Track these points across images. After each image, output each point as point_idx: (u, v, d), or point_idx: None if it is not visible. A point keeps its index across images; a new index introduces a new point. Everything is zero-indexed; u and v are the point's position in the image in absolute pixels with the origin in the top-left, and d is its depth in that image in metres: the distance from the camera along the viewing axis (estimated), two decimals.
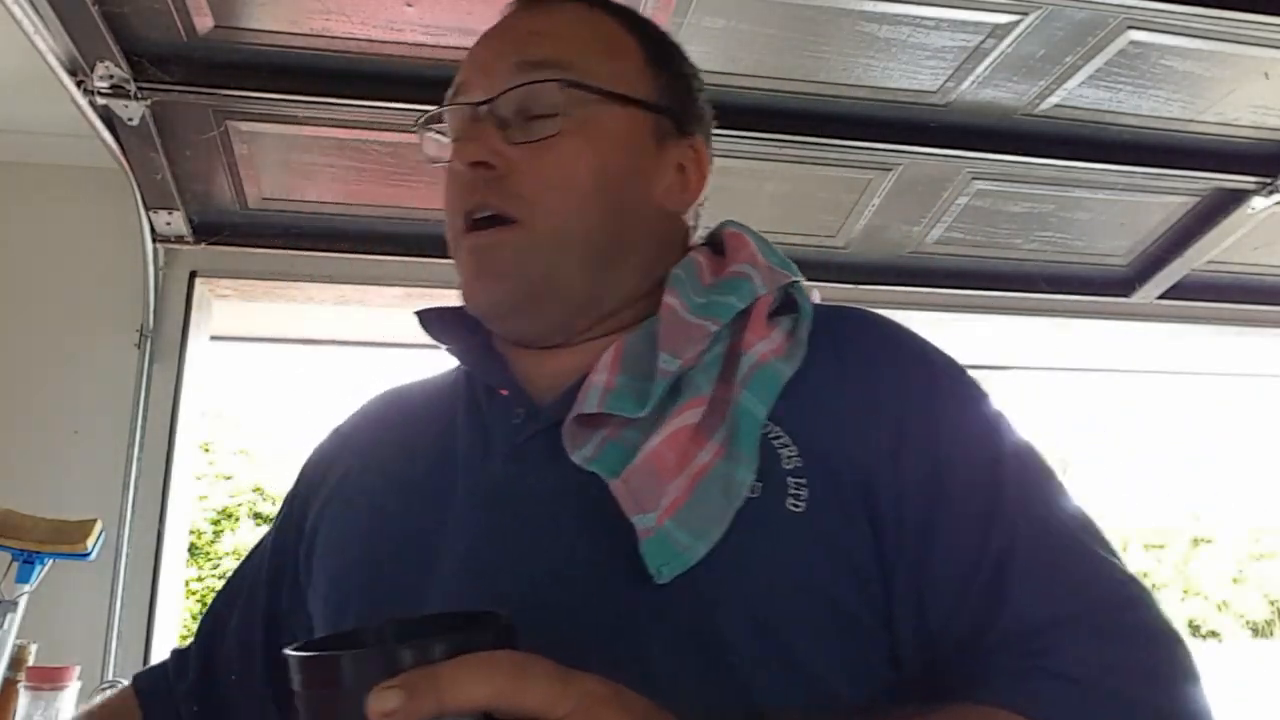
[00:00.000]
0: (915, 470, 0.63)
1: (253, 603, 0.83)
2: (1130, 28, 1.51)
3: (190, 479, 2.06)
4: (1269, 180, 1.89)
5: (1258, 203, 1.94)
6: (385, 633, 0.54)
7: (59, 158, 1.96)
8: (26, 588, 1.42)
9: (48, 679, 1.34)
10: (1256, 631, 14.13)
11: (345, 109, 1.60)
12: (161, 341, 1.92)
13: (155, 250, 1.88)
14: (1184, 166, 1.87)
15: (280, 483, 9.98)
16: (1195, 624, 13.66)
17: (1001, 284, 2.20)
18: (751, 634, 0.59)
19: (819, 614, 0.60)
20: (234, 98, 1.56)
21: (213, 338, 2.08)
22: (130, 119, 1.55)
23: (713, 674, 0.59)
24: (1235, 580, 14.41)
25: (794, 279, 0.73)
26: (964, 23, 1.51)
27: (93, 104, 1.52)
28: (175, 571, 1.95)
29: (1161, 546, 14.41)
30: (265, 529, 0.89)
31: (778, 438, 0.64)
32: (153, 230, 1.85)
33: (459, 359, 0.80)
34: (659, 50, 0.79)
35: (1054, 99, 1.69)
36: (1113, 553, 0.63)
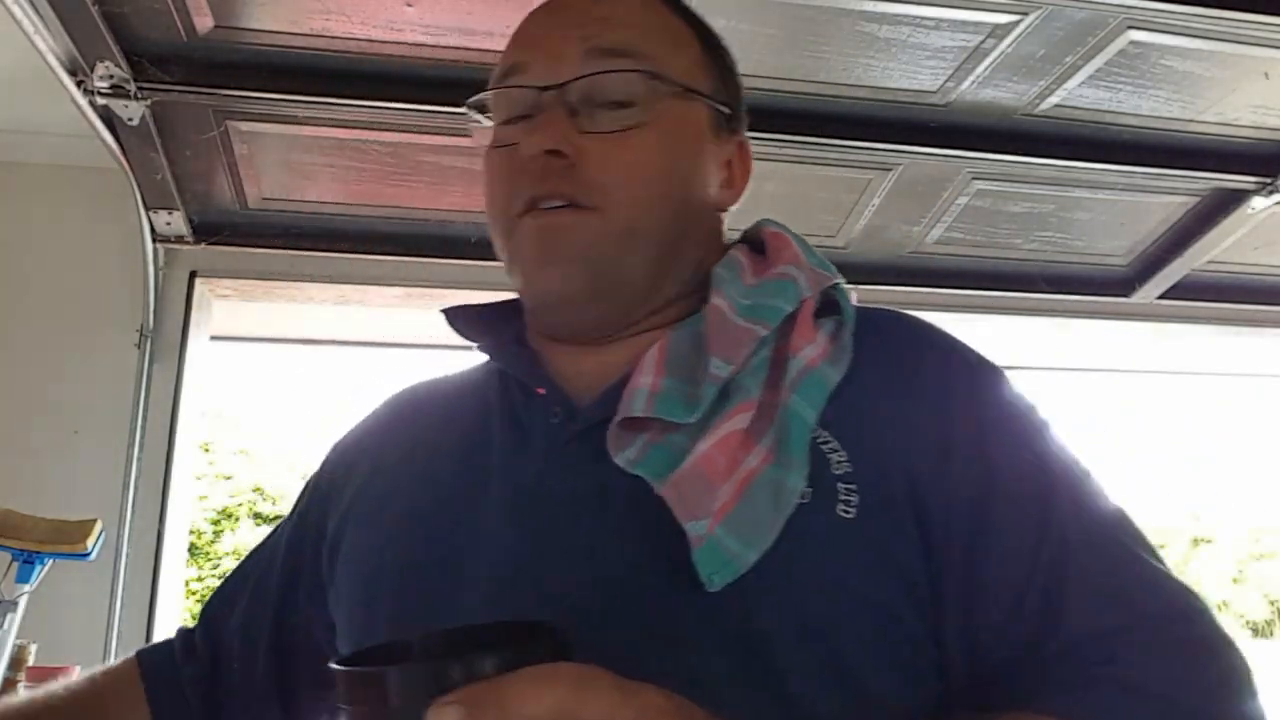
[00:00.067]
0: (964, 476, 0.62)
1: (261, 596, 0.81)
2: (1130, 28, 1.51)
3: (190, 479, 2.06)
4: (1269, 180, 1.89)
5: (1258, 203, 1.94)
6: (431, 645, 0.52)
7: (59, 158, 1.96)
8: (26, 588, 1.42)
9: (48, 679, 1.34)
10: (1256, 632, 14.14)
11: (345, 109, 1.60)
12: (161, 341, 1.92)
13: (155, 250, 1.89)
14: (1184, 166, 1.87)
15: (280, 482, 10.00)
16: None
17: (1001, 284, 2.20)
18: (800, 642, 0.58)
19: (868, 622, 0.59)
20: (234, 98, 1.56)
21: (213, 338, 2.09)
22: (130, 119, 1.55)
23: (761, 683, 0.58)
24: (1235, 580, 14.43)
25: (835, 280, 0.71)
26: (964, 23, 1.51)
27: (93, 104, 1.52)
28: (175, 571, 1.95)
29: (1161, 546, 14.23)
30: (265, 529, 0.88)
31: (826, 442, 0.63)
32: (153, 230, 1.85)
33: (491, 356, 0.78)
34: (713, 43, 0.78)
35: (1054, 99, 1.69)
36: (1160, 560, 0.62)
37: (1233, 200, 1.98)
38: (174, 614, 1.93)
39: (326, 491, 0.80)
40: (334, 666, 0.46)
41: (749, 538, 0.58)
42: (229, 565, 8.75)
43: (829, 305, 0.70)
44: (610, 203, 0.69)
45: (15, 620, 1.39)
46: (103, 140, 1.62)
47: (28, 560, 1.43)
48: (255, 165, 1.77)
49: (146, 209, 1.80)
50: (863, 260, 2.12)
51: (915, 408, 0.65)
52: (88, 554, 1.47)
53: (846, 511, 0.60)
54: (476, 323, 0.80)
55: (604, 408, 0.66)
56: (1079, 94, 1.68)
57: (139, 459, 1.85)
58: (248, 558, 0.87)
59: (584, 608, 0.60)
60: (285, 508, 0.90)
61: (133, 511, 1.83)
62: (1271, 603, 14.29)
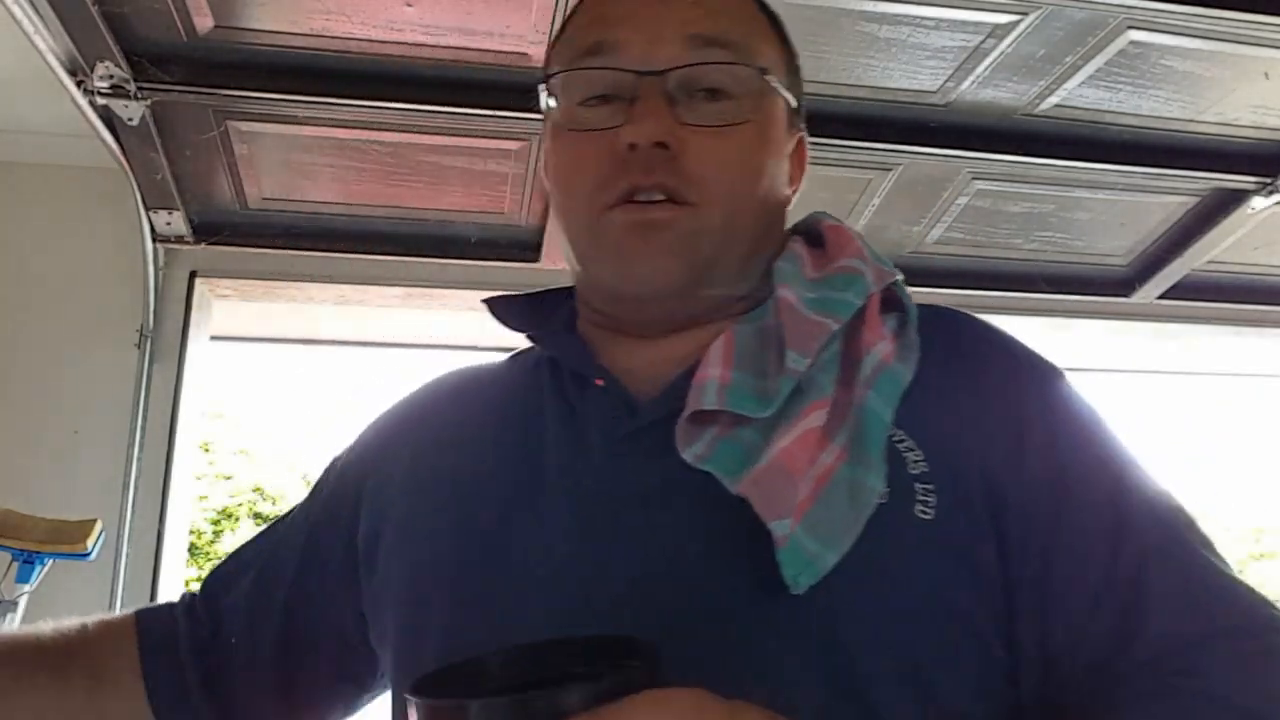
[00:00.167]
0: (1038, 478, 0.61)
1: (273, 576, 0.77)
2: (1130, 28, 1.51)
3: (190, 479, 2.06)
4: (1269, 180, 1.89)
5: (1258, 203, 1.94)
6: (510, 663, 0.49)
7: (59, 158, 1.96)
8: (26, 588, 1.42)
9: None
10: None
11: (345, 109, 1.60)
12: (161, 342, 1.92)
13: (155, 250, 1.89)
14: (1184, 166, 1.87)
15: (280, 482, 10.00)
16: None
17: (1001, 284, 2.20)
18: (878, 647, 0.57)
19: (945, 627, 0.58)
20: (234, 98, 1.56)
21: (213, 338, 2.09)
22: (130, 119, 1.55)
23: (842, 692, 0.56)
24: None
25: (896, 276, 0.69)
26: (964, 23, 1.50)
27: (93, 104, 1.52)
28: (175, 571, 1.94)
29: None
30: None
31: (901, 441, 0.61)
32: (153, 230, 1.85)
33: (543, 345, 0.75)
34: (785, 35, 0.77)
35: (1054, 99, 1.69)
36: (1228, 564, 0.61)
37: (1233, 200, 1.98)
38: None
39: (359, 476, 0.77)
40: (410, 697, 0.44)
41: (827, 538, 0.56)
42: None
43: (888, 301, 0.69)
44: (707, 198, 0.67)
45: (15, 620, 1.39)
46: (103, 140, 1.62)
47: (28, 560, 1.43)
48: (255, 165, 1.77)
49: (146, 209, 1.80)
50: None
51: (985, 408, 0.64)
52: (88, 554, 1.47)
53: (925, 512, 0.59)
54: (520, 312, 0.77)
55: (668, 401, 0.65)
56: (1079, 94, 1.68)
57: (139, 459, 1.85)
58: (259, 535, 0.83)
59: (652, 607, 0.58)
60: (285, 508, 0.87)
61: (133, 511, 1.83)
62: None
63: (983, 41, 1.55)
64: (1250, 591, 0.60)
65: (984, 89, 1.66)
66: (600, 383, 0.69)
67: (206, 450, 9.49)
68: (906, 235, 2.08)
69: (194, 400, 1.98)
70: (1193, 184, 1.96)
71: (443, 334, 2.38)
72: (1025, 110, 1.73)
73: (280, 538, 0.80)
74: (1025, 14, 1.48)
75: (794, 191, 0.77)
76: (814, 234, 0.75)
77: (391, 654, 0.70)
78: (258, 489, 10.13)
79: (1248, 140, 1.85)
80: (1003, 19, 1.50)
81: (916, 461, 0.61)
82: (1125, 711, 0.54)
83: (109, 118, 1.57)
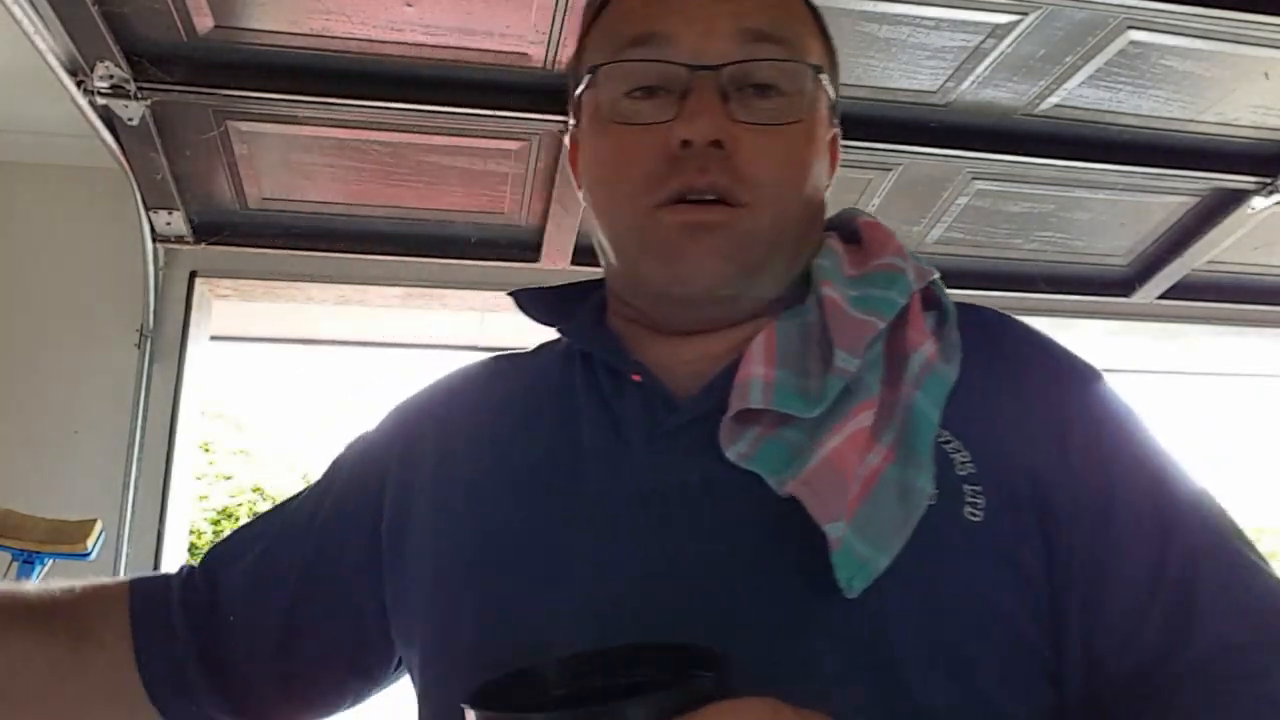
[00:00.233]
0: (1085, 479, 0.60)
1: (283, 551, 0.74)
2: (1130, 28, 1.51)
3: (190, 479, 2.06)
4: (1269, 180, 1.89)
5: (1258, 203, 1.93)
6: (568, 671, 0.48)
7: (59, 158, 1.96)
8: None
9: None
10: None
11: (345, 109, 1.60)
12: (161, 341, 1.92)
13: (155, 250, 1.89)
14: (1184, 166, 1.87)
15: (280, 482, 10.00)
16: None
17: (1001, 284, 2.20)
18: (927, 650, 0.56)
19: (993, 630, 0.57)
20: (234, 98, 1.56)
21: (213, 338, 2.09)
22: (130, 119, 1.55)
23: (884, 689, 0.55)
24: None
25: (935, 274, 0.69)
26: (964, 23, 1.50)
27: (93, 104, 1.52)
28: None
29: None
30: None
31: (948, 442, 0.61)
32: (153, 230, 1.85)
33: (576, 340, 0.73)
34: (826, 29, 0.75)
35: (1054, 99, 1.69)
36: (1270, 566, 0.61)
37: (1233, 200, 1.98)
38: None
39: (380, 464, 0.75)
40: (468, 708, 0.43)
41: (877, 541, 0.55)
42: None
43: (926, 300, 0.68)
44: (759, 199, 0.66)
45: None
46: (103, 140, 1.62)
47: (28, 560, 1.43)
48: (255, 165, 1.77)
49: (146, 209, 1.80)
50: None
51: (1028, 410, 0.63)
52: (88, 554, 1.47)
53: (974, 514, 0.58)
54: (547, 306, 0.75)
55: (709, 399, 0.64)
56: (1079, 94, 1.68)
57: (139, 459, 1.85)
58: (265, 514, 0.80)
59: (698, 604, 0.57)
60: None
61: (133, 511, 1.83)
62: None
63: (983, 41, 1.55)
64: None
65: (984, 89, 1.66)
66: (638, 379, 0.67)
67: (206, 450, 9.48)
68: (906, 235, 2.08)
69: (194, 400, 1.98)
70: (1193, 184, 1.96)
71: (442, 334, 2.38)
72: (1025, 110, 1.73)
73: (290, 518, 0.77)
74: (1025, 14, 1.48)
75: (827, 188, 0.76)
76: (849, 230, 0.74)
77: (419, 653, 0.68)
78: (258, 489, 10.12)
79: (1248, 140, 1.85)
80: (1003, 19, 1.50)
81: (964, 463, 0.60)
82: (1185, 715, 0.54)
83: (109, 118, 1.57)
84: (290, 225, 1.90)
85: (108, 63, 1.45)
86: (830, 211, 0.77)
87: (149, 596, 0.74)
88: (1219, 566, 0.59)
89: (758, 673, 0.46)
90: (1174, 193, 2.01)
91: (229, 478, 10.14)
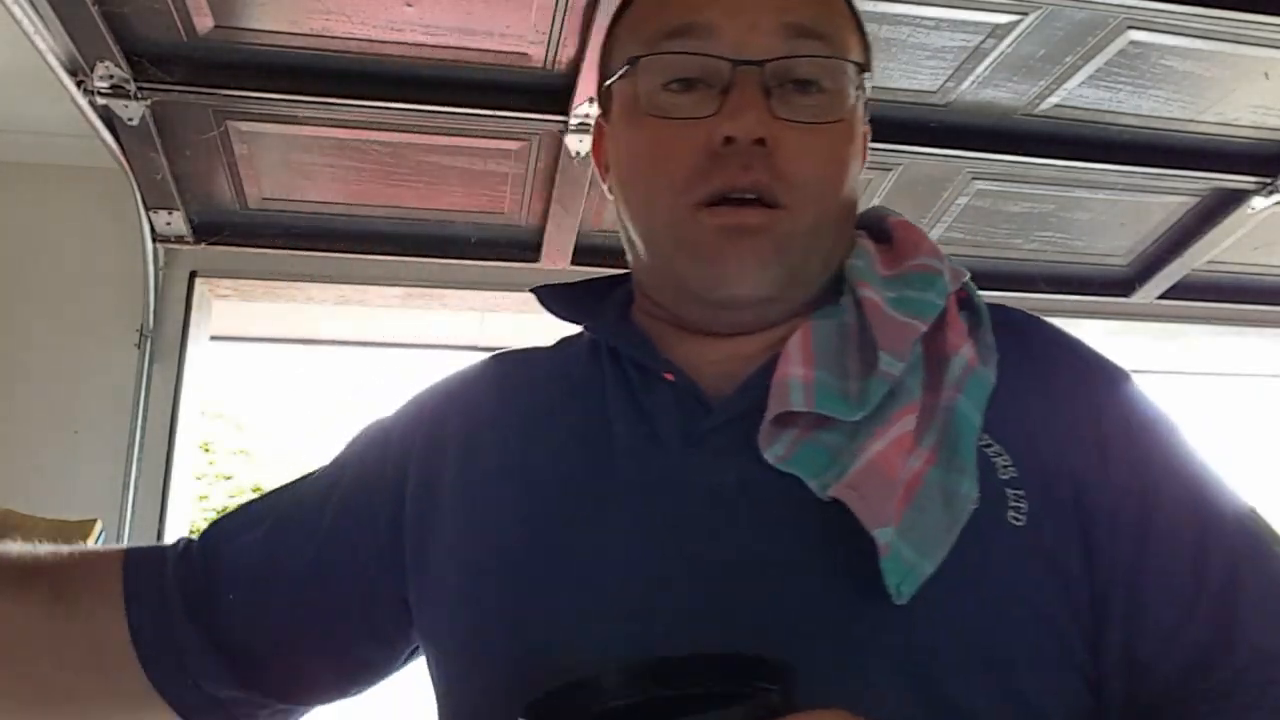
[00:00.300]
0: (1124, 482, 0.60)
1: (292, 532, 0.72)
2: (1130, 28, 1.51)
3: (190, 479, 2.06)
4: (1269, 180, 1.89)
5: (1258, 203, 1.93)
6: (625, 681, 0.46)
7: (59, 158, 1.95)
8: None
9: None
10: None
11: (345, 109, 1.59)
12: (161, 341, 1.92)
13: (155, 250, 1.88)
14: (1184, 166, 1.87)
15: (280, 483, 10.00)
16: None
17: (1001, 284, 2.20)
18: (971, 656, 0.55)
19: (1035, 635, 0.57)
20: (234, 98, 1.56)
21: (213, 338, 2.08)
22: (130, 119, 1.55)
23: (929, 694, 0.55)
24: None
25: (967, 276, 0.68)
26: (964, 23, 1.50)
27: (93, 104, 1.52)
28: None
29: None
30: None
31: (989, 446, 0.60)
32: (153, 230, 1.85)
33: (604, 337, 0.71)
34: (861, 24, 0.74)
35: (1054, 99, 1.69)
36: None
37: (1233, 200, 1.98)
38: None
39: (401, 453, 0.73)
40: None
41: (923, 546, 0.55)
42: None
43: (959, 302, 0.67)
44: (798, 200, 0.65)
45: None
46: (103, 140, 1.61)
47: None
48: (255, 165, 1.76)
49: (146, 209, 1.80)
50: None
51: (1057, 411, 0.63)
52: None
53: (1017, 519, 0.58)
54: (570, 302, 0.74)
55: (744, 399, 0.63)
56: (1079, 94, 1.68)
57: (139, 459, 1.85)
58: (271, 494, 0.78)
59: (734, 607, 0.56)
60: None
61: (133, 511, 1.83)
62: None
63: (983, 41, 1.55)
64: None
65: (984, 89, 1.66)
66: (670, 377, 0.66)
67: (206, 450, 9.48)
68: None
69: (194, 400, 1.98)
70: (1193, 184, 1.96)
71: (443, 334, 2.38)
72: (1025, 110, 1.73)
73: (300, 498, 0.75)
74: (1025, 14, 1.48)
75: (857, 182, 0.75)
76: (879, 229, 0.73)
77: (444, 649, 0.67)
78: (258, 489, 10.10)
79: (1248, 140, 1.84)
80: (1003, 19, 1.49)
81: (1005, 466, 0.60)
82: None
83: (109, 118, 1.57)
84: (290, 225, 1.90)
85: (108, 63, 1.45)
86: None
87: (143, 569, 0.73)
88: (1260, 572, 0.58)
89: (801, 677, 0.45)
90: (1174, 193, 2.00)
91: (229, 478, 10.13)
